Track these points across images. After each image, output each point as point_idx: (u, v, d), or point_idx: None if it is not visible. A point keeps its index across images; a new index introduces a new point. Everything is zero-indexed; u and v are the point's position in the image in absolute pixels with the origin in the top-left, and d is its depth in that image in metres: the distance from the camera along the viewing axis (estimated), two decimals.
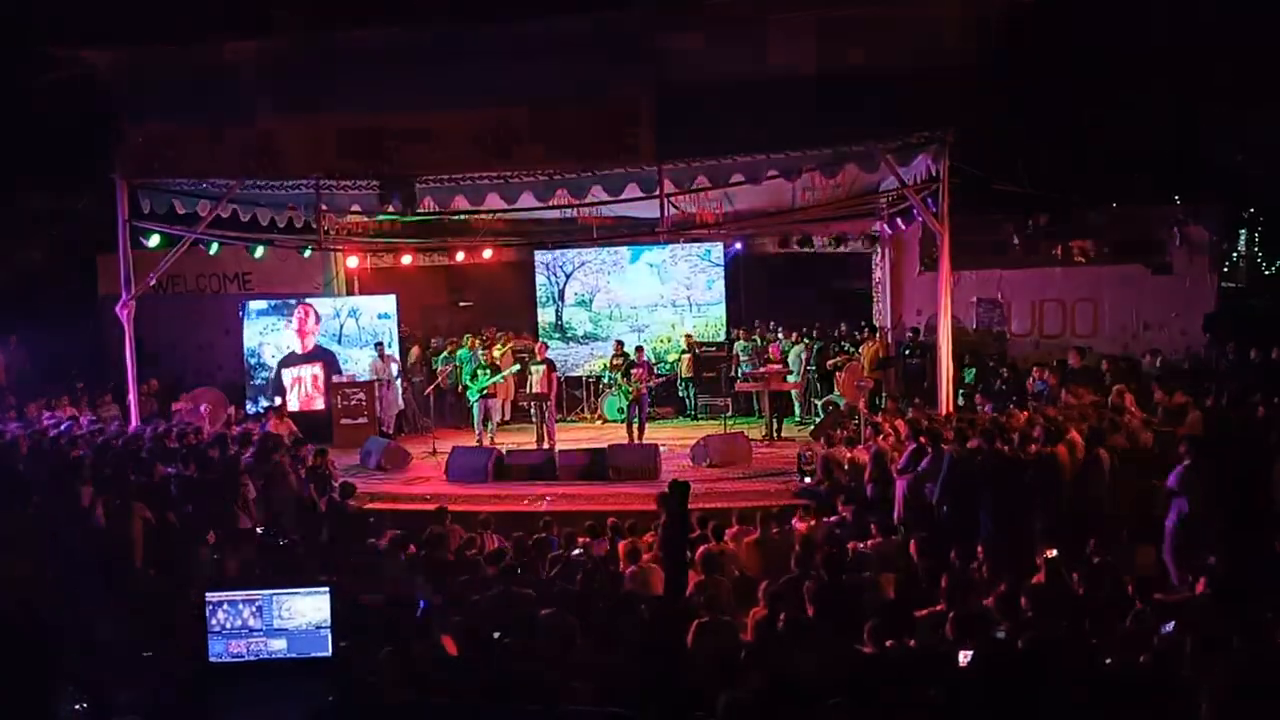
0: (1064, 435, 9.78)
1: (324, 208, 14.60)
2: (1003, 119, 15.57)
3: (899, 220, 15.32)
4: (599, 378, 18.30)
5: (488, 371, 15.50)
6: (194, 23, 13.98)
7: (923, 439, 10.00)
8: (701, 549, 8.52)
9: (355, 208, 15.78)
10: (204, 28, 13.25)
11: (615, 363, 16.62)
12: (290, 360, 17.12)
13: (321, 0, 12.81)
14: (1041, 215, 16.55)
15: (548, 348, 16.24)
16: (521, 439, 15.59)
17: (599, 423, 17.72)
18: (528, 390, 15.58)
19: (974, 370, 14.92)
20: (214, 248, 16.18)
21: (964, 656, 5.43)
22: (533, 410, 15.63)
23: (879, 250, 17.67)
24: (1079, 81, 18.74)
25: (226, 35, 12.87)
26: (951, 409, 12.16)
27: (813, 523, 9.63)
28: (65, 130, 15.39)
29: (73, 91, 13.65)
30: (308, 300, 17.48)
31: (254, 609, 4.81)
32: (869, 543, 8.80)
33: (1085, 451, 9.61)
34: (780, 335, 17.46)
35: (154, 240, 14.45)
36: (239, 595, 4.84)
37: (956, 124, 11.75)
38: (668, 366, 18.19)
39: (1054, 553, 7.53)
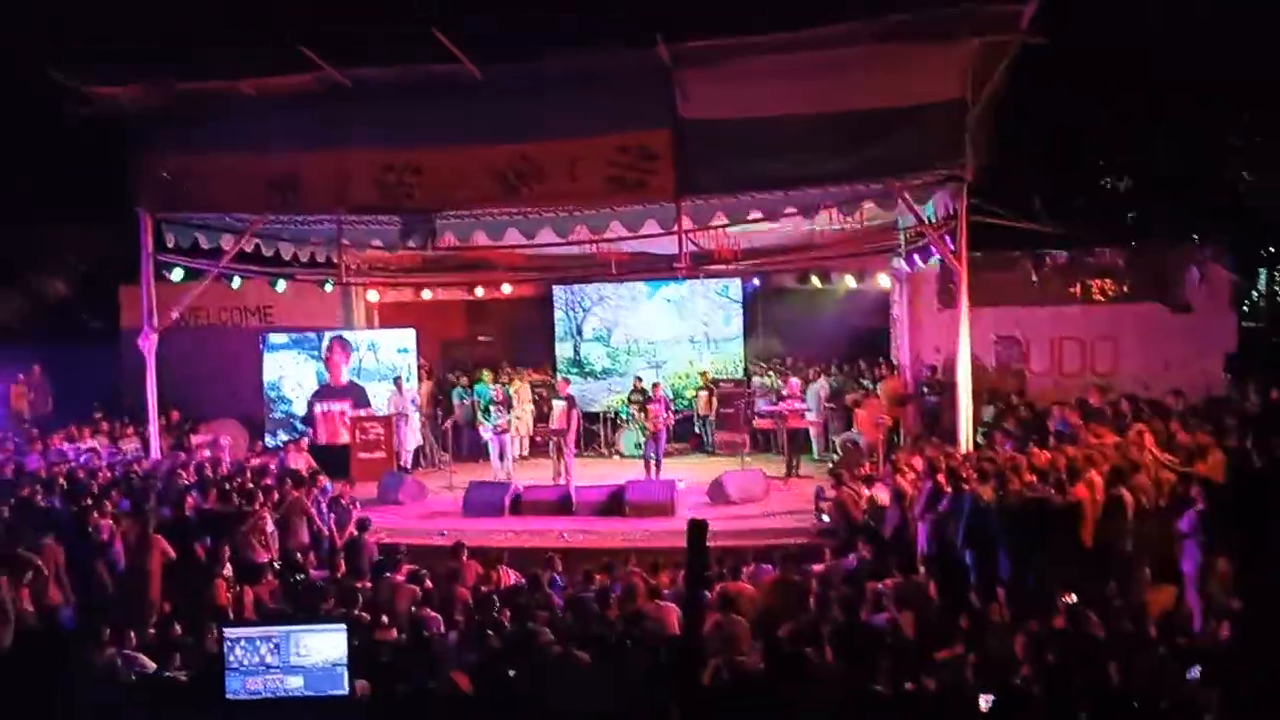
0: (1085, 475, 9.69)
1: (345, 242, 14.72)
2: (1020, 156, 15.59)
3: (917, 257, 15.32)
4: (616, 413, 18.29)
5: (501, 407, 15.53)
6: (219, 60, 14.18)
7: (941, 478, 9.94)
8: (718, 587, 8.48)
9: (376, 242, 15.91)
10: (229, 65, 13.41)
11: (633, 399, 16.65)
12: (323, 394, 17.21)
13: (344, 38, 12.93)
14: (1060, 253, 16.50)
15: (569, 384, 16.26)
16: (539, 474, 15.58)
17: (616, 458, 17.69)
18: (548, 425, 15.58)
19: (993, 409, 14.83)
20: (236, 281, 16.34)
21: (984, 701, 5.36)
22: (551, 445, 15.62)
23: (897, 287, 17.65)
24: (1097, 118, 18.75)
25: (251, 72, 13.03)
26: (971, 447, 12.08)
27: (830, 562, 9.57)
28: (92, 164, 15.59)
29: (99, 126, 13.81)
30: (342, 334, 17.60)
31: (271, 646, 4.83)
32: (888, 582, 8.73)
33: (1106, 492, 9.51)
34: (795, 371, 17.42)
35: (177, 274, 14.63)
36: (256, 632, 4.86)
37: (973, 162, 11.76)
38: (685, 402, 18.17)
39: (1074, 598, 7.45)
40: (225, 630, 4.88)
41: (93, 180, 16.37)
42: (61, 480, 11.83)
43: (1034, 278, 16.54)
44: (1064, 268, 16.54)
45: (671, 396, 17.00)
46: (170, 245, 14.32)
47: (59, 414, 16.59)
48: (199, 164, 13.54)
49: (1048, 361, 16.43)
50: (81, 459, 13.27)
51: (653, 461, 14.96)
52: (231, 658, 4.83)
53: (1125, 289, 16.36)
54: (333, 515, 11.94)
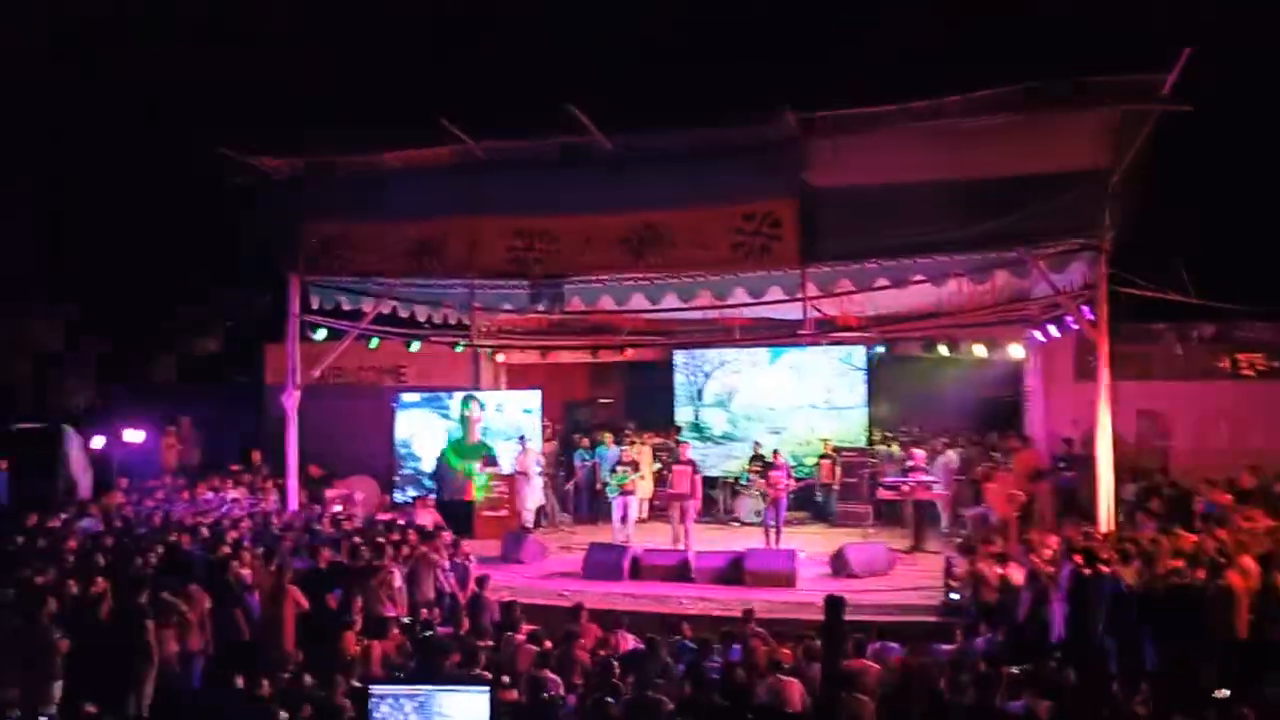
0: (1237, 561, 9.15)
1: (476, 305, 15.15)
2: (1163, 225, 15.06)
3: (1052, 327, 14.88)
4: (736, 479, 18.15)
5: (628, 469, 15.60)
6: (366, 132, 14.94)
7: (1080, 559, 9.51)
8: (842, 665, 8.27)
9: (506, 306, 16.35)
10: (375, 139, 14.14)
11: (753, 464, 16.50)
12: (456, 451, 17.63)
13: (480, 111, 13.52)
14: (1206, 325, 15.79)
15: (690, 447, 16.26)
16: (658, 538, 15.53)
17: (735, 525, 17.51)
18: (668, 489, 15.57)
19: (1136, 486, 14.17)
20: (374, 342, 16.96)
21: None
22: (673, 510, 15.58)
23: (1031, 357, 17.14)
24: (1245, 185, 17.99)
25: (394, 145, 13.70)
26: (1111, 527, 11.55)
27: (962, 643, 9.23)
28: (245, 231, 16.53)
29: (252, 195, 14.65)
30: (476, 396, 18.05)
31: (416, 704, 4.90)
32: (1022, 668, 8.36)
33: (1262, 579, 8.95)
34: (921, 441, 17.02)
35: (320, 334, 15.29)
36: (402, 690, 4.93)
37: (1111, 230, 11.43)
38: (806, 470, 17.92)
39: (1226, 693, 7.00)
40: (371, 687, 4.97)
41: (241, 247, 17.36)
42: (204, 529, 12.35)
43: (1178, 350, 15.86)
44: (1211, 340, 15.81)
45: (792, 464, 16.78)
46: (315, 307, 15.01)
47: (204, 465, 17.38)
48: (345, 230, 14.24)
49: (1193, 439, 15.64)
50: (224, 509, 13.85)
51: (773, 529, 14.76)
52: (376, 715, 4.91)
53: (1277, 364, 15.54)
54: (453, 574, 12.14)
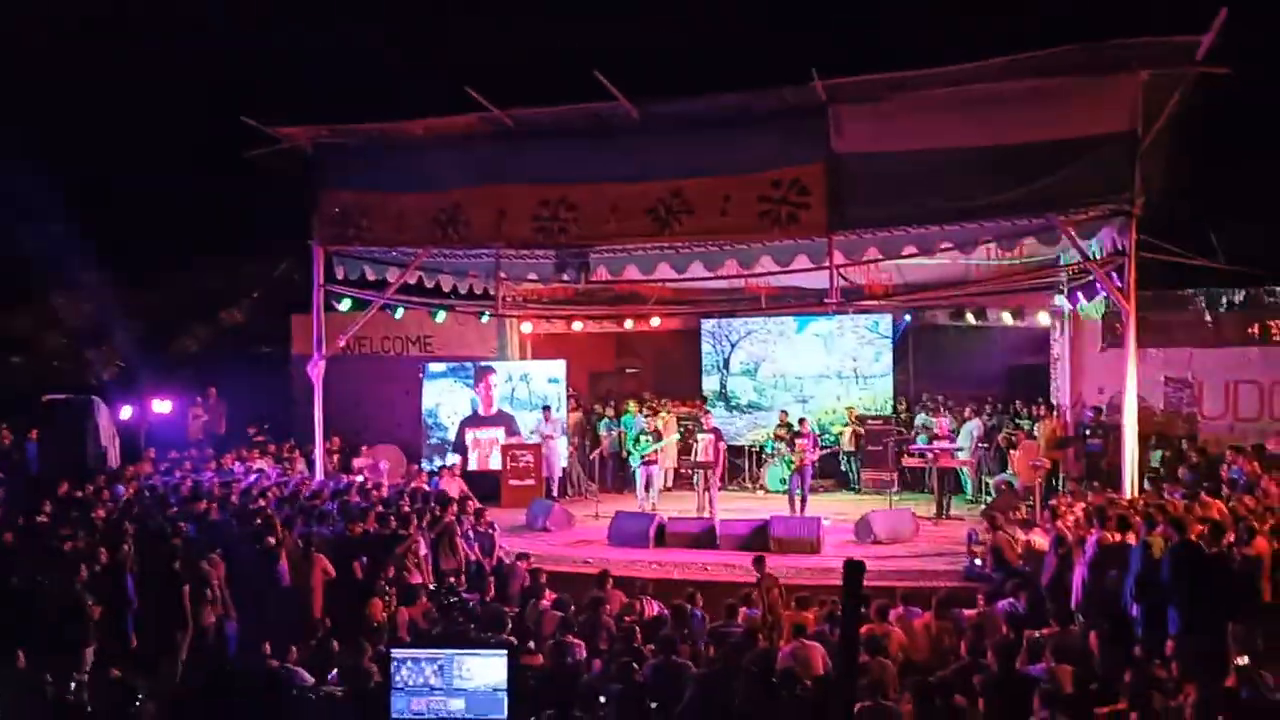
0: (1263, 527, 9.10)
1: (502, 275, 15.19)
2: (1195, 190, 14.84)
3: (1080, 294, 14.74)
4: (762, 447, 18.19)
5: (650, 438, 15.67)
6: (390, 101, 14.93)
7: (1106, 525, 9.49)
8: (865, 629, 8.31)
9: (531, 275, 16.37)
10: (399, 106, 14.12)
11: (779, 433, 16.51)
12: (473, 421, 17.79)
13: (506, 79, 13.45)
14: (1236, 291, 15.59)
15: (713, 416, 16.28)
16: (683, 506, 15.60)
17: (760, 493, 17.57)
18: (692, 458, 15.64)
19: (1161, 453, 14.08)
20: (399, 312, 17.05)
21: None
22: (696, 478, 15.64)
23: (1058, 325, 17.01)
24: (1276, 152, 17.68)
25: (420, 113, 13.68)
26: (1137, 494, 11.50)
27: (984, 609, 9.25)
28: (270, 201, 16.59)
29: (278, 165, 14.70)
30: (492, 365, 18.16)
31: (436, 668, 4.97)
32: (1044, 632, 8.38)
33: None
34: (948, 409, 16.97)
35: (345, 304, 15.37)
36: (422, 653, 5.01)
37: (1142, 196, 11.28)
38: (832, 438, 17.92)
39: (1246, 660, 6.97)
40: (392, 650, 5.05)
41: (268, 216, 17.43)
42: (233, 498, 12.53)
43: (1208, 317, 15.69)
44: (1240, 307, 15.63)
45: (818, 432, 16.78)
46: (340, 277, 15.08)
47: (231, 435, 17.57)
48: (369, 200, 14.25)
49: (1221, 405, 15.51)
50: (250, 479, 14.02)
51: (798, 497, 14.80)
52: (397, 678, 4.99)
53: None
54: (477, 542, 12.26)
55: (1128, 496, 11.32)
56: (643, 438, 15.72)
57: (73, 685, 7.92)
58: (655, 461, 15.76)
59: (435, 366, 18.17)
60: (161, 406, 16.55)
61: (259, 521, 11.16)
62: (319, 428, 14.90)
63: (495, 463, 17.09)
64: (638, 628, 9.18)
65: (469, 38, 20.84)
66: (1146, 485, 12.13)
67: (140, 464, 14.57)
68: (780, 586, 10.34)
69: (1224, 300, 15.66)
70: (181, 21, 20.31)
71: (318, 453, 14.99)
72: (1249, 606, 8.54)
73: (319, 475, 14.67)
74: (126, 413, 15.79)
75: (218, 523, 11.60)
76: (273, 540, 10.78)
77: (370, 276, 15.52)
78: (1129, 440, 11.74)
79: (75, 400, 14.85)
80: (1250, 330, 15.69)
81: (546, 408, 17.17)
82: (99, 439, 14.60)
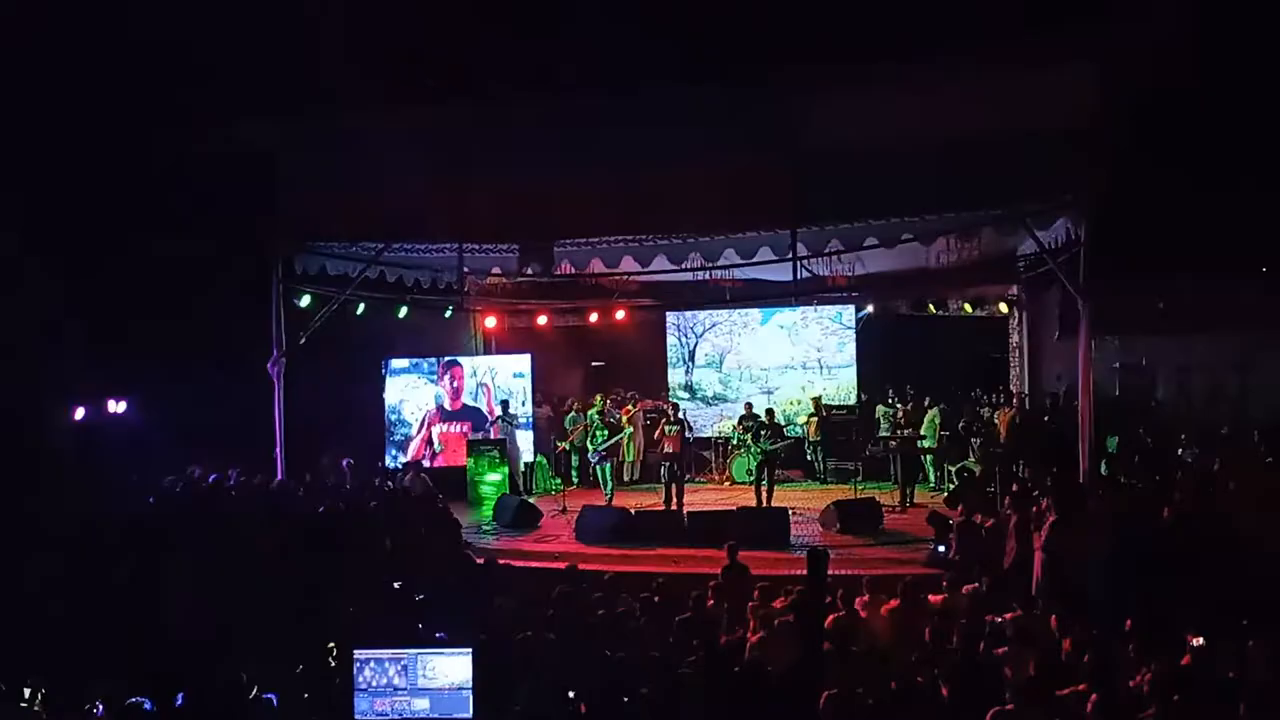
0: (1219, 509, 9.31)
1: (466, 270, 15.12)
2: (1146, 182, 15.09)
3: (1037, 284, 14.97)
4: (727, 439, 18.29)
5: (605, 432, 15.74)
6: (347, 93, 14.73)
7: (1062, 509, 9.66)
8: (831, 617, 8.39)
9: (495, 269, 16.31)
10: (356, 98, 13.93)
11: (745, 424, 16.61)
12: (438, 416, 17.71)
13: (467, 71, 13.37)
14: (1188, 280, 15.90)
15: (680, 408, 16.37)
16: (651, 499, 15.66)
17: (727, 484, 17.67)
18: (659, 450, 15.71)
19: (1116, 439, 14.33)
20: (361, 308, 16.92)
21: None
22: (663, 470, 15.69)
23: (1016, 315, 17.25)
24: (1227, 144, 18.00)
25: (377, 105, 13.54)
26: (1094, 479, 11.70)
27: (949, 594, 9.37)
28: (224, 196, 16.32)
29: (231, 159, 14.44)
30: (460, 360, 18.08)
31: (399, 668, 4.95)
32: (1007, 616, 8.52)
33: (1242, 527, 9.11)
34: (909, 399, 17.17)
35: (305, 300, 15.21)
36: (385, 654, 4.98)
37: (1097, 188, 11.47)
38: (797, 429, 18.06)
39: (1201, 641, 7.14)
40: (355, 651, 5.02)
41: (226, 213, 17.14)
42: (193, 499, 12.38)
43: (1160, 305, 15.99)
44: (1192, 295, 15.94)
45: (784, 423, 16.90)
46: (299, 272, 14.91)
47: (192, 436, 17.25)
48: (327, 194, 14.06)
49: (1175, 391, 15.83)
50: (210, 479, 13.81)
51: (764, 488, 14.90)
52: (360, 679, 4.96)
53: (1257, 318, 15.68)
54: (445, 535, 12.23)
55: (1085, 482, 11.53)
56: (598, 432, 15.80)
57: None
58: (614, 455, 15.83)
59: (398, 362, 18.06)
60: (117, 406, 16.27)
61: (220, 521, 11.04)
62: (279, 426, 14.74)
63: (461, 458, 17.05)
64: (607, 621, 9.20)
65: (429, 28, 20.65)
66: (1103, 470, 12.36)
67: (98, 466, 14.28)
68: (748, 576, 10.41)
69: (1175, 289, 15.97)
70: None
71: (278, 452, 14.83)
72: (1203, 585, 8.74)
73: (280, 474, 14.52)
74: (80, 413, 15.52)
75: (183, 522, 11.46)
76: (236, 540, 10.67)
77: (331, 272, 15.36)
78: (1085, 427, 11.95)
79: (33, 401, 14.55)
80: (1200, 318, 16.04)
81: (505, 403, 17.15)
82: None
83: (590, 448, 15.89)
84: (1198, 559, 8.90)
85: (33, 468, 13.26)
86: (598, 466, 15.88)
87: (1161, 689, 6.04)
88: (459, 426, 17.60)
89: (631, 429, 17.11)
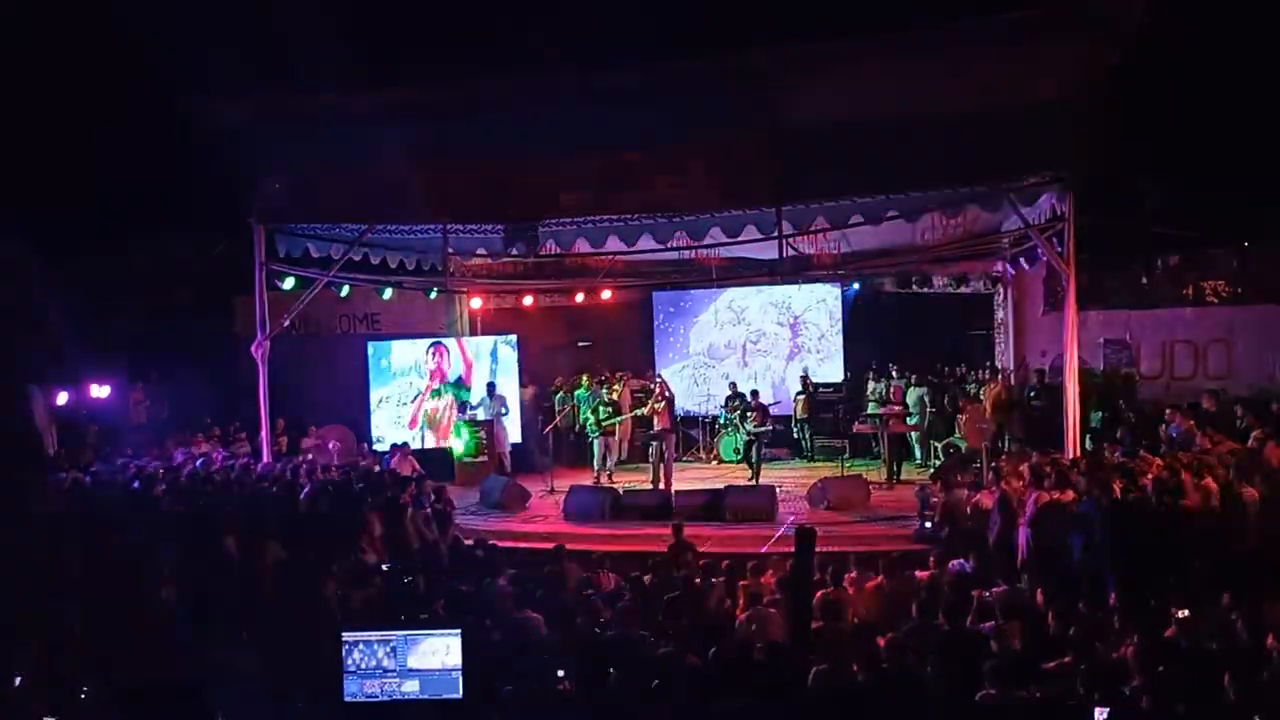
0: (1201, 482, 9.36)
1: (450, 250, 15.02)
2: (1130, 156, 15.12)
3: (1022, 260, 14.99)
4: (715, 418, 18.30)
5: (609, 409, 15.70)
6: (328, 75, 14.60)
7: (1049, 484, 9.70)
8: (819, 594, 8.42)
9: (480, 250, 16.23)
10: (337, 79, 13.83)
11: (731, 404, 16.63)
12: (428, 396, 17.67)
13: (447, 52, 13.29)
14: (1171, 254, 15.95)
15: (667, 387, 16.36)
16: (639, 478, 15.67)
17: (715, 463, 17.69)
18: (649, 429, 15.71)
19: (1101, 414, 14.40)
20: (345, 290, 16.82)
21: (1100, 714, 5.23)
22: (651, 450, 15.70)
23: (1001, 291, 17.28)
24: (1208, 117, 18.04)
25: (358, 86, 13.43)
26: (1079, 454, 11.77)
27: (935, 569, 9.42)
28: (206, 178, 16.17)
29: (213, 141, 14.30)
30: (443, 341, 18.01)
31: (388, 649, 4.92)
32: (993, 591, 8.56)
33: (1223, 499, 9.18)
34: (897, 376, 17.20)
35: (289, 283, 15.10)
36: (374, 636, 4.95)
37: (1080, 163, 11.47)
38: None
39: (1185, 613, 7.19)
40: (343, 633, 4.99)
41: (209, 193, 16.99)
42: (181, 481, 12.30)
43: (1144, 280, 16.04)
44: (1176, 269, 15.99)
45: (772, 402, 16.91)
46: (282, 255, 14.79)
47: (175, 420, 17.20)
48: (309, 176, 13.96)
49: (1158, 365, 15.91)
50: (196, 463, 13.75)
51: (752, 466, 14.92)
52: (349, 661, 4.93)
53: (1240, 291, 15.76)
54: (434, 521, 12.20)
55: (1070, 456, 11.59)
56: (602, 409, 15.77)
57: None
58: (613, 433, 15.83)
59: (383, 344, 17.98)
60: (100, 391, 16.17)
61: (204, 506, 10.98)
62: (264, 409, 14.66)
63: (449, 440, 17.01)
64: (596, 601, 9.21)
65: (408, 8, 20.50)
66: (1088, 445, 12.42)
67: (82, 451, 14.21)
68: (695, 552, 10.41)
69: (1159, 263, 16.02)
70: None
71: (264, 436, 14.76)
72: (1185, 557, 8.81)
73: (266, 457, 14.46)
74: (63, 399, 15.42)
75: (164, 511, 11.39)
76: (221, 524, 10.61)
77: (314, 254, 15.24)
78: (1071, 402, 12.00)
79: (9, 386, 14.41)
80: (1184, 292, 16.11)
81: (491, 384, 17.10)
82: (35, 426, 14.22)
83: (591, 426, 15.89)
84: (1180, 532, 8.97)
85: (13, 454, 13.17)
86: (595, 443, 15.87)
87: (1146, 660, 6.07)
88: (445, 406, 17.53)
89: (642, 411, 17.17)
